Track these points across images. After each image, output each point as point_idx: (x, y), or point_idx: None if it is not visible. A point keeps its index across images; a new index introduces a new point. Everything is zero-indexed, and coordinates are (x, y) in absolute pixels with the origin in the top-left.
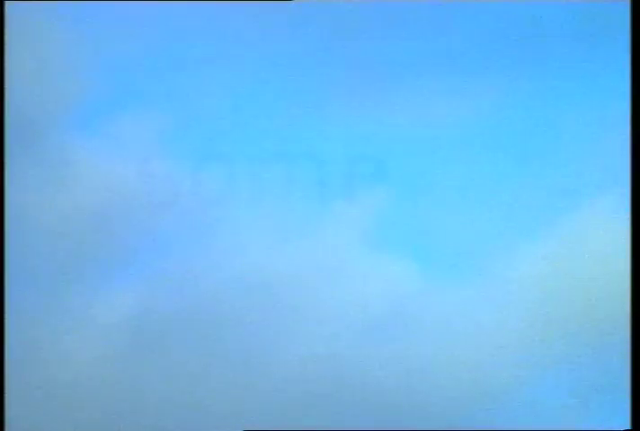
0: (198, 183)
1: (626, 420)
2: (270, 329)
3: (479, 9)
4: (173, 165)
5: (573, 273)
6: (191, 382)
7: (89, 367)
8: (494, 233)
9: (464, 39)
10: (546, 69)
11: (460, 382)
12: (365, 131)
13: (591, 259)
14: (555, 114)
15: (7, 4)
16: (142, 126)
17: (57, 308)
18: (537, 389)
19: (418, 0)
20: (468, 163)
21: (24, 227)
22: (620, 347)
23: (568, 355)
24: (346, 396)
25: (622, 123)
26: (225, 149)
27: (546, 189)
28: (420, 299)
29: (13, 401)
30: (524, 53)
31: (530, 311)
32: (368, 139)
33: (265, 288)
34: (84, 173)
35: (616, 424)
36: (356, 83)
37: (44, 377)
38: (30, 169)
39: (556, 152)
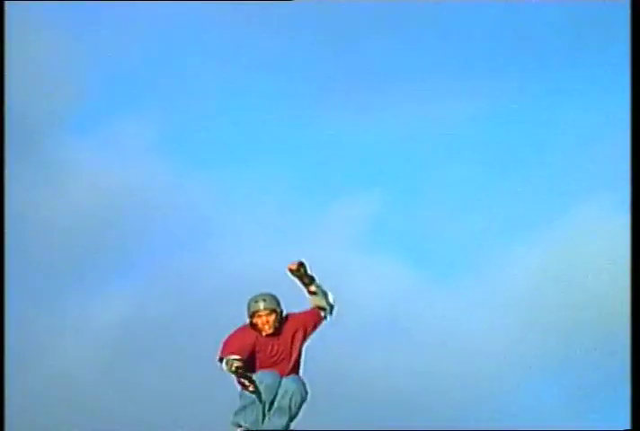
0: (195, 185)
1: (626, 420)
2: None
3: (478, 11)
4: (170, 167)
5: (569, 274)
6: (189, 383)
7: (87, 368)
8: (490, 235)
9: (462, 41)
10: (545, 70)
11: (457, 382)
12: (363, 133)
13: (586, 260)
14: (553, 116)
15: (7, 4)
16: (140, 128)
17: (54, 309)
18: (537, 389)
19: (417, 1)
20: (465, 165)
21: (22, 229)
22: (620, 347)
23: (567, 355)
24: (345, 396)
25: (621, 124)
26: (222, 151)
27: (542, 192)
28: (415, 300)
29: (12, 401)
30: (523, 54)
31: (527, 311)
32: (366, 141)
33: (262, 290)
34: (82, 176)
35: (616, 424)
36: (354, 84)
37: (43, 377)
38: (28, 172)
39: (553, 154)
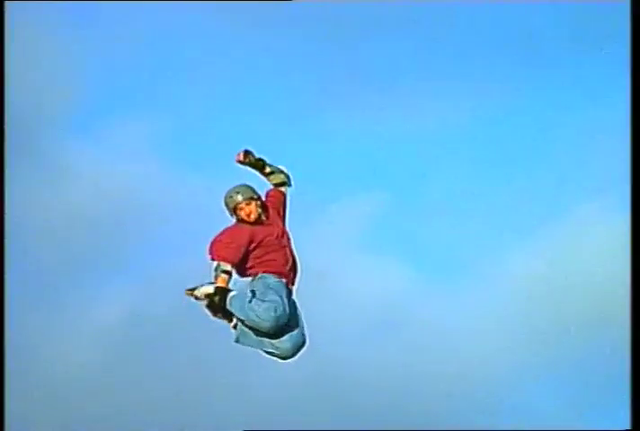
0: (195, 186)
1: (626, 420)
2: None
3: (478, 11)
4: (170, 168)
5: (569, 274)
6: (189, 383)
7: (87, 368)
8: (488, 236)
9: (463, 41)
10: (544, 71)
11: (456, 382)
12: (362, 134)
13: (586, 260)
14: (554, 116)
15: (7, 4)
16: (140, 129)
17: (54, 310)
18: (537, 389)
19: (416, 2)
20: (466, 166)
21: (20, 231)
22: (620, 347)
23: (567, 355)
24: (343, 396)
25: (621, 124)
26: (220, 152)
27: (542, 192)
28: (414, 300)
29: (12, 401)
30: (523, 54)
31: (526, 311)
32: (365, 142)
33: None
34: (82, 176)
35: (616, 424)
36: (354, 85)
37: (42, 378)
38: (27, 172)
39: (553, 155)
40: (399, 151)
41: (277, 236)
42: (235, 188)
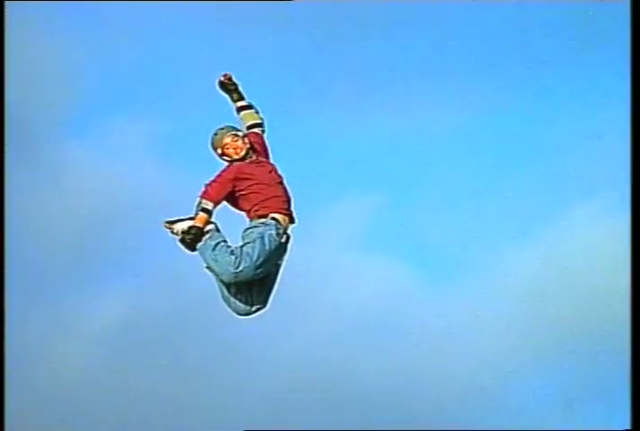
0: (192, 187)
1: (626, 420)
2: (263, 331)
3: (476, 11)
4: (170, 168)
5: (569, 274)
6: (188, 383)
7: (87, 368)
8: (488, 236)
9: (461, 41)
10: (543, 71)
11: (454, 383)
12: (361, 133)
13: (585, 260)
14: (553, 116)
15: (7, 4)
16: (140, 130)
17: (54, 310)
18: (536, 389)
19: (415, 2)
20: (464, 166)
21: (20, 231)
22: (620, 347)
23: (567, 355)
24: (341, 396)
25: (621, 124)
26: None
27: (541, 192)
28: (413, 301)
29: (12, 401)
30: (522, 54)
31: (526, 312)
32: (364, 142)
33: None
34: (82, 177)
35: (616, 424)
36: (352, 85)
37: (42, 378)
38: (27, 173)
39: (552, 154)
40: (398, 151)
41: (269, 171)
42: (218, 128)
